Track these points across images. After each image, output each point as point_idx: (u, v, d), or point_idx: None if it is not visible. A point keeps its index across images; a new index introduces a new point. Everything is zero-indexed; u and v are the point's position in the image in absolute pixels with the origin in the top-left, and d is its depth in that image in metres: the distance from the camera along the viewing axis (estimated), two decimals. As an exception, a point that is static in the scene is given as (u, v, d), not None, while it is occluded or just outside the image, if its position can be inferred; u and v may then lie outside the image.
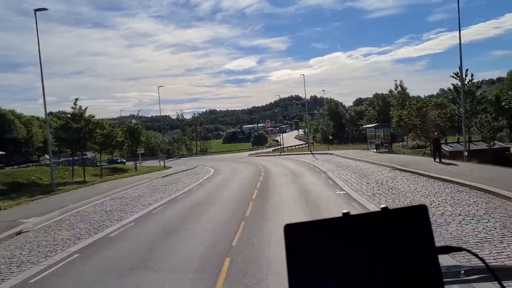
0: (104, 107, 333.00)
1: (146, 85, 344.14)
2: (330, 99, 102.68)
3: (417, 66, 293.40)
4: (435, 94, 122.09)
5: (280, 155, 59.19)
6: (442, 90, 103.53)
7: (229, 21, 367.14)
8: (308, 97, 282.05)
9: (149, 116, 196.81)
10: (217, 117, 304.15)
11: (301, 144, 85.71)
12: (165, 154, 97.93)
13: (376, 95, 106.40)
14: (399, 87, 68.23)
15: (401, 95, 64.62)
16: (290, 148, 79.35)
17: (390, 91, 72.49)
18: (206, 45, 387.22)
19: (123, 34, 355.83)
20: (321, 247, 0.95)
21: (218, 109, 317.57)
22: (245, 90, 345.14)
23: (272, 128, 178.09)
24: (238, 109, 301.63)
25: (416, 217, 0.97)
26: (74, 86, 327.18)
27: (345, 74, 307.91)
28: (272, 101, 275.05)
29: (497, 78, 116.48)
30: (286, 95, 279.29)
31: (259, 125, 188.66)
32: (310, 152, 56.47)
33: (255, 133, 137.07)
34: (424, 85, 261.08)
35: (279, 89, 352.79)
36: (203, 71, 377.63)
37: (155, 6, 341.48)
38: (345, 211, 0.99)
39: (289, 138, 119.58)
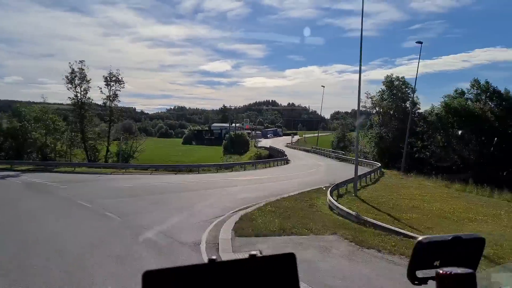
0: (68, 93, 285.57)
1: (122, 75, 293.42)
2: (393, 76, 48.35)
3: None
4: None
5: None
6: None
7: (210, 22, 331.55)
8: (285, 104, 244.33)
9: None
10: (184, 114, 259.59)
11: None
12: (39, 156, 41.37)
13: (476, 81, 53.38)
14: None
15: None
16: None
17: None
18: (183, 43, 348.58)
19: (101, 22, 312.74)
20: None
21: (187, 107, 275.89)
22: (218, 92, 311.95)
23: (251, 131, 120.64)
24: (209, 109, 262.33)
25: (284, 265, 0.90)
26: (43, 68, 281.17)
27: (319, 88, 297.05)
28: (247, 103, 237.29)
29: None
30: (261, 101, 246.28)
31: (234, 124, 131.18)
32: None
33: (232, 133, 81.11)
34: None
35: (252, 96, 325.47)
36: (178, 69, 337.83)
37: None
38: (213, 257, 0.88)
39: (277, 145, 67.79)
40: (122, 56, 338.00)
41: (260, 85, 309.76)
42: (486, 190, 22.24)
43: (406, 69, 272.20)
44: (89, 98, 45.85)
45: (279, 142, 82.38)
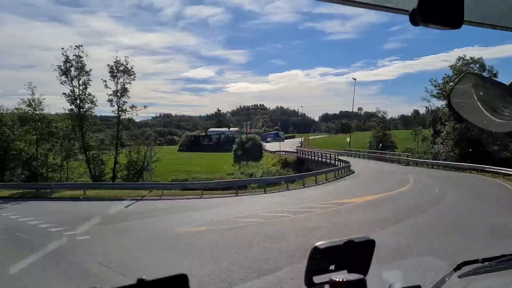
0: (52, 104, 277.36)
1: (100, 85, 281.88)
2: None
3: (370, 90, 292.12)
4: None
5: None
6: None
7: (191, 29, 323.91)
8: (273, 108, 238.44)
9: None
10: (171, 121, 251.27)
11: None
12: None
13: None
14: None
15: None
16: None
17: None
18: (165, 50, 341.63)
19: (80, 32, 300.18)
20: None
21: (173, 114, 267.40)
22: (202, 99, 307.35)
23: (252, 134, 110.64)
24: (195, 115, 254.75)
25: None
26: (23, 80, 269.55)
27: (303, 92, 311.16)
28: (235, 108, 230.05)
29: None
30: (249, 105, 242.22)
31: (233, 129, 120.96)
32: None
33: (243, 137, 70.98)
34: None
35: (237, 101, 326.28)
36: (161, 77, 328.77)
37: (116, 6, 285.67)
38: (96, 286, 0.77)
39: (291, 148, 60.52)
40: (103, 65, 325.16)
41: (244, 90, 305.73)
42: None
43: (388, 70, 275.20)
44: (89, 94, 35.22)
45: (288, 146, 74.12)
